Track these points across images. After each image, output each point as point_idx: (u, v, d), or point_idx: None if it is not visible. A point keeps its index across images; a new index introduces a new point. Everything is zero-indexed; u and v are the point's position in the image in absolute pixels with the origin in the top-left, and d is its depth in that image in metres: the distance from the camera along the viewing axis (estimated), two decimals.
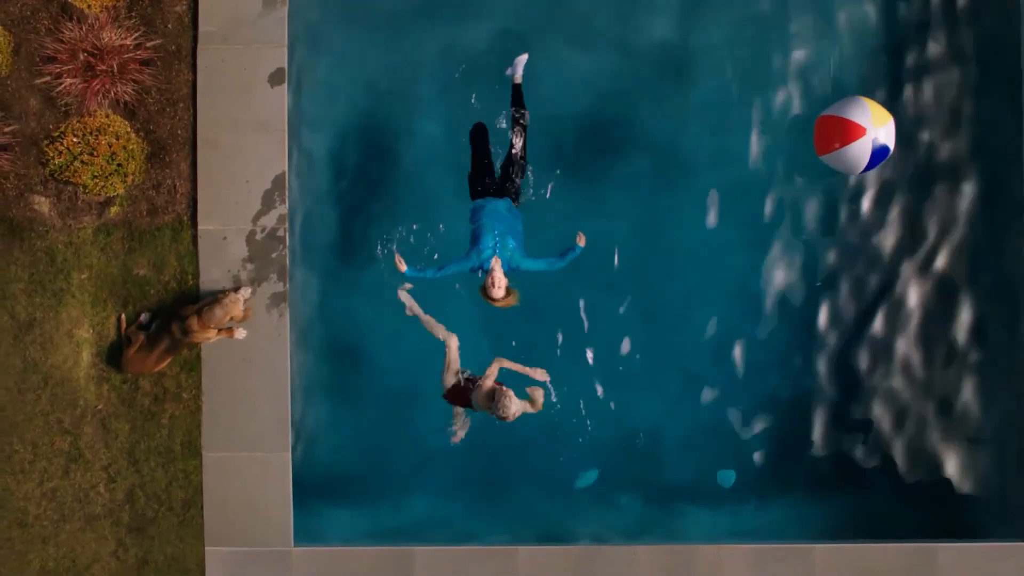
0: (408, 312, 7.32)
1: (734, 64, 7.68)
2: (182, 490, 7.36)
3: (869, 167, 6.68)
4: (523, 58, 7.22)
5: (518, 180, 7.10)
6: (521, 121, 7.10)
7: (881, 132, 6.55)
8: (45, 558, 7.35)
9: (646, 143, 7.67)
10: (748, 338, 7.73)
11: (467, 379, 7.03)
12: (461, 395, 7.02)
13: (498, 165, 7.18)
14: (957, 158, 7.67)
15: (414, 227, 7.57)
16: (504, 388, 6.74)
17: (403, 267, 6.87)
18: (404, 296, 7.34)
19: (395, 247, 7.41)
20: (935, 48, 7.68)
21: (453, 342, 7.11)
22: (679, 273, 7.69)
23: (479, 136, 7.22)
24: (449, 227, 7.52)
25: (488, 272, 6.74)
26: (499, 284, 6.70)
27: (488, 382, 6.79)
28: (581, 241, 6.93)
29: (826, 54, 7.67)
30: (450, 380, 7.07)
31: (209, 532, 7.37)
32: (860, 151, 6.60)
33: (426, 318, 7.26)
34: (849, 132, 6.53)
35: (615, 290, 7.68)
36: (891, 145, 6.67)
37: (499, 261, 6.75)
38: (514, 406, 6.64)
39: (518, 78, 7.22)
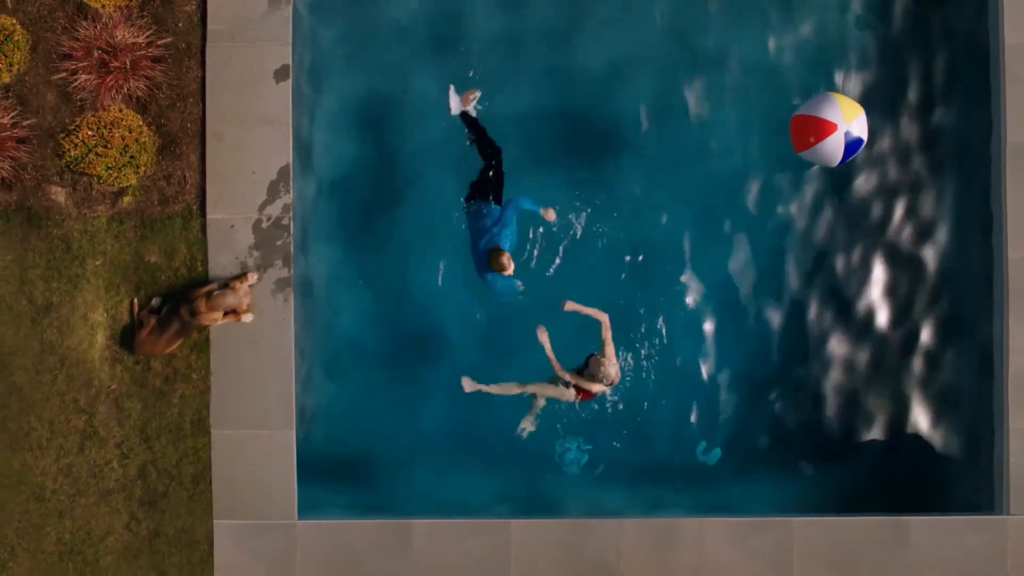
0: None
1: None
2: (192, 466, 7.45)
3: (846, 158, 6.81)
4: (454, 93, 7.57)
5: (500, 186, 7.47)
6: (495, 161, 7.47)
7: (853, 125, 6.64)
8: (61, 530, 7.45)
9: (634, 138, 7.85)
10: (733, 322, 7.89)
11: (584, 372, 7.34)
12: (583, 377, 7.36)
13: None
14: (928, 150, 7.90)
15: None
16: (595, 356, 7.17)
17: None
18: (469, 386, 7.54)
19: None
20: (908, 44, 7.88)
21: (537, 390, 7.48)
22: (667, 258, 7.86)
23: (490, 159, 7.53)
24: (448, 219, 7.70)
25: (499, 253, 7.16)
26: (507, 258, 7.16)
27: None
28: (550, 216, 7.48)
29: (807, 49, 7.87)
30: (567, 394, 7.37)
31: (217, 506, 7.44)
32: (834, 146, 6.68)
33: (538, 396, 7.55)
34: (821, 129, 6.62)
35: (608, 276, 7.86)
36: (864, 136, 6.74)
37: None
38: (613, 369, 7.11)
39: (455, 109, 7.54)
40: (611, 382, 7.24)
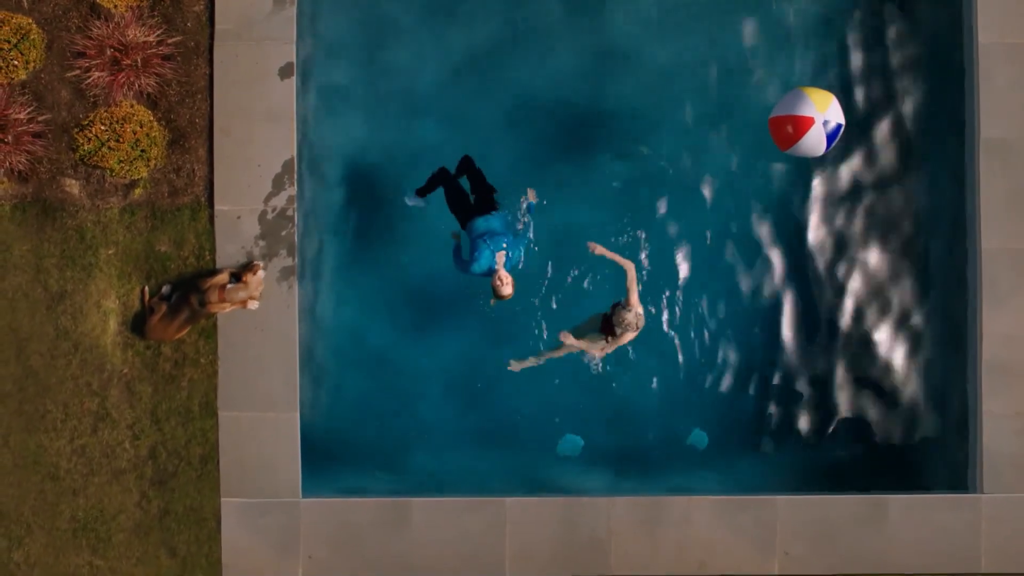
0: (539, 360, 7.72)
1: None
2: (200, 447, 7.61)
3: (830, 145, 6.93)
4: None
5: (492, 195, 7.46)
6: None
7: (829, 114, 6.75)
8: (75, 508, 7.62)
9: (632, 145, 7.99)
10: (719, 311, 8.02)
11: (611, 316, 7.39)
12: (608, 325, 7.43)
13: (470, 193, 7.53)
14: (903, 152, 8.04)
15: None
16: (619, 305, 7.23)
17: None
18: (516, 366, 7.71)
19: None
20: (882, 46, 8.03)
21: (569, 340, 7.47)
22: (658, 250, 7.99)
23: (444, 179, 7.58)
24: (446, 214, 7.75)
25: (495, 272, 7.06)
26: (506, 281, 6.99)
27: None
28: (532, 197, 7.50)
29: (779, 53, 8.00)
30: (597, 348, 7.43)
31: (225, 485, 7.60)
32: (816, 138, 6.81)
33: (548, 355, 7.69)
34: (799, 125, 6.75)
35: (600, 266, 7.96)
36: (842, 120, 6.82)
37: (501, 259, 7.09)
38: (630, 315, 7.14)
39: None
40: (635, 328, 7.18)
